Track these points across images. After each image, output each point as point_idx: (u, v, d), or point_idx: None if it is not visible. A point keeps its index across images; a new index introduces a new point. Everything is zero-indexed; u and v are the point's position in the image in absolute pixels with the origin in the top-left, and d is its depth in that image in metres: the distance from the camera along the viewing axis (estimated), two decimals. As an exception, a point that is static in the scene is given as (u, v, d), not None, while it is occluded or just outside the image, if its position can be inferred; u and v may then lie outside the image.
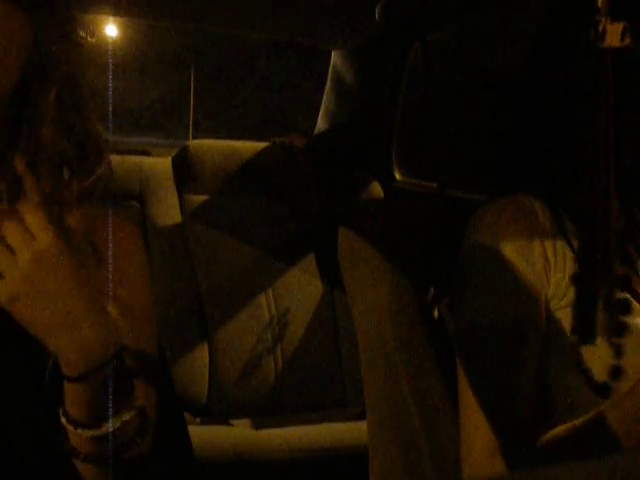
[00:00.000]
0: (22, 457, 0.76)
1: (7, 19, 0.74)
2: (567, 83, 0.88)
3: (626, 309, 0.77)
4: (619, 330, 0.78)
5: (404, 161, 2.37)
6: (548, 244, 0.88)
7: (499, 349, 0.87)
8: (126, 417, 0.71)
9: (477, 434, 0.85)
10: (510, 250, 0.87)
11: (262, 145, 2.29)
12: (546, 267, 0.87)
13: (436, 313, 1.06)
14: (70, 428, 0.70)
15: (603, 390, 0.77)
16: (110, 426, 0.70)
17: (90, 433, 0.69)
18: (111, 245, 0.77)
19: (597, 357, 0.77)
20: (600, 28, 0.72)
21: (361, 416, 1.87)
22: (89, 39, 0.82)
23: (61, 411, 0.71)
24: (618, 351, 0.78)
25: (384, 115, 2.33)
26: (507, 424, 0.84)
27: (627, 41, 0.73)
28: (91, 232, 0.75)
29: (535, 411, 0.83)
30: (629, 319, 0.79)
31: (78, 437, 0.70)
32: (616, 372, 0.78)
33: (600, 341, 0.77)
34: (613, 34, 0.72)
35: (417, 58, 2.23)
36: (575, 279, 0.80)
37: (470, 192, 1.97)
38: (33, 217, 0.65)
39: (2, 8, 0.74)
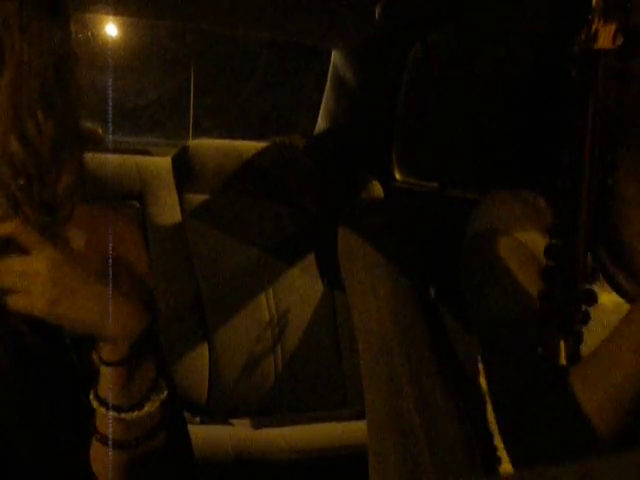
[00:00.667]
0: (22, 457, 0.76)
1: None
2: (561, 83, 0.88)
3: (591, 300, 0.80)
4: (582, 318, 0.80)
5: (404, 161, 2.37)
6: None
7: (509, 337, 0.86)
8: (163, 397, 0.74)
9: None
10: (512, 238, 0.87)
11: (262, 145, 2.29)
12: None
13: (436, 313, 1.06)
14: (109, 413, 0.72)
15: (561, 373, 0.80)
16: (153, 404, 0.73)
17: (134, 415, 0.72)
18: (111, 244, 0.77)
19: (558, 343, 0.79)
20: (593, 29, 0.72)
21: (361, 416, 1.87)
22: (80, 36, 0.79)
23: (97, 401, 0.73)
24: (578, 338, 0.80)
25: (384, 115, 2.33)
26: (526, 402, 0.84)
27: (619, 43, 0.73)
28: (92, 232, 0.75)
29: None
30: (591, 309, 0.81)
31: (115, 422, 0.72)
32: (574, 357, 0.80)
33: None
34: (605, 35, 0.72)
35: (417, 58, 2.23)
36: (544, 272, 0.82)
37: (470, 192, 1.97)
38: (23, 235, 0.68)
39: None
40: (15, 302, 0.67)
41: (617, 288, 0.85)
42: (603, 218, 0.80)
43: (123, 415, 0.72)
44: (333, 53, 2.45)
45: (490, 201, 0.93)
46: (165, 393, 0.74)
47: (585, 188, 0.77)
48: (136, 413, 0.72)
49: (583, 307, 0.80)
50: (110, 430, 0.73)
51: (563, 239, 0.80)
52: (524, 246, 0.88)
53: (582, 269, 0.79)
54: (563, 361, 0.80)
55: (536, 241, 0.88)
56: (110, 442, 0.72)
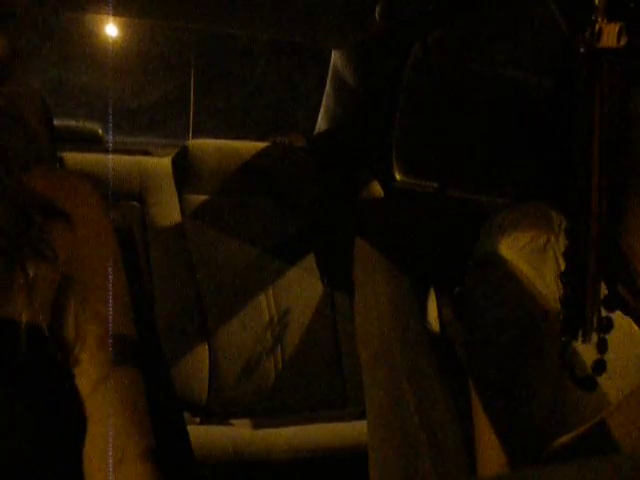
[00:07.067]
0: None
1: None
2: (565, 84, 0.88)
3: (612, 306, 0.77)
4: (605, 326, 0.78)
5: (404, 161, 2.37)
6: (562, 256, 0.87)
7: (505, 359, 0.86)
8: None
9: (489, 439, 0.85)
10: (523, 262, 0.85)
11: (262, 145, 2.29)
12: (557, 281, 0.86)
13: (437, 313, 1.06)
14: None
15: (588, 383, 0.77)
16: None
17: None
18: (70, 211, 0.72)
19: (581, 352, 0.77)
20: (596, 28, 0.72)
21: (361, 416, 1.87)
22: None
23: None
24: (603, 346, 0.77)
25: (384, 115, 2.33)
26: (517, 431, 0.83)
27: (623, 42, 0.73)
28: (52, 200, 0.71)
29: (547, 420, 0.82)
30: (614, 315, 0.79)
31: None
32: (599, 366, 0.77)
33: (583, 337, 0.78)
34: (610, 34, 0.72)
35: (417, 58, 2.23)
36: (564, 277, 0.80)
37: (470, 192, 1.97)
38: None
39: None
40: None
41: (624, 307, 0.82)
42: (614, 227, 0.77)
43: None
44: (333, 53, 2.45)
45: (500, 220, 0.90)
46: None
47: (595, 190, 0.75)
48: None
49: (605, 313, 0.77)
50: None
51: (580, 244, 0.77)
52: (527, 277, 0.86)
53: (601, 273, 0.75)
54: (588, 370, 0.77)
55: (543, 264, 0.86)
56: None
